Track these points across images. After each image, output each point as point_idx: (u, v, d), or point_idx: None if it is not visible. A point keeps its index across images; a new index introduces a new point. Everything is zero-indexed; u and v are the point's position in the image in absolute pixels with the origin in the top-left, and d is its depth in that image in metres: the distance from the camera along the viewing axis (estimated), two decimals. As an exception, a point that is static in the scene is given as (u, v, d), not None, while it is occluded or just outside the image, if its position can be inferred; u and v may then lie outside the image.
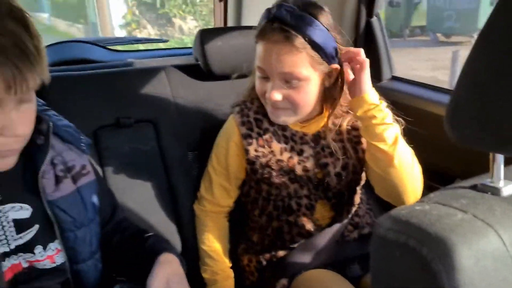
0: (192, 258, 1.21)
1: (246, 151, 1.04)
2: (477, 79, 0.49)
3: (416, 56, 7.54)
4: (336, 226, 1.08)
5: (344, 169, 1.04)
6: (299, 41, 0.91)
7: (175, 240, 1.19)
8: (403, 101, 1.30)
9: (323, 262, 1.06)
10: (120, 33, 9.74)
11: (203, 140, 1.24)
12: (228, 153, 1.07)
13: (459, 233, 0.50)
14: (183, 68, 1.32)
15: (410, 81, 1.38)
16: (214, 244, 1.12)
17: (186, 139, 1.24)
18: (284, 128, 1.04)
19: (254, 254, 1.14)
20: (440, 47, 8.30)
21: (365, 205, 1.16)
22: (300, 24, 0.91)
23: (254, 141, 1.03)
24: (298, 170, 1.02)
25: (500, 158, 0.56)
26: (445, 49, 7.43)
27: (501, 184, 0.56)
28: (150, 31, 9.59)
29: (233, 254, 1.20)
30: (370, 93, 0.94)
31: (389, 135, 0.93)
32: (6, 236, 0.73)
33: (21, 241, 0.74)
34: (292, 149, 1.03)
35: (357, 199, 1.12)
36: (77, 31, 10.67)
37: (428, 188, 1.17)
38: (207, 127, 1.24)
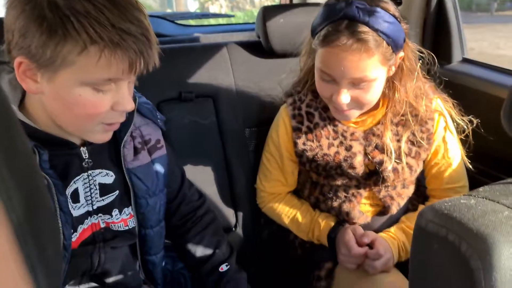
0: (245, 230, 1.27)
1: (295, 144, 1.05)
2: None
3: (505, 33, 6.85)
4: (383, 220, 1.07)
5: (399, 166, 1.01)
6: (373, 39, 0.85)
7: (229, 213, 1.25)
8: (473, 85, 1.23)
9: None
10: (193, 4, 9.94)
11: (260, 117, 1.26)
12: (280, 144, 1.08)
13: (503, 231, 0.48)
14: (245, 45, 1.34)
15: (482, 63, 1.28)
16: (290, 216, 1.12)
17: (243, 115, 1.27)
18: (335, 123, 1.03)
19: None
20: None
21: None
22: (373, 20, 0.85)
23: (303, 135, 1.03)
24: (345, 165, 1.00)
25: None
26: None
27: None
28: (221, 3, 9.68)
29: (281, 227, 1.21)
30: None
31: None
32: (92, 197, 0.83)
33: (102, 203, 0.84)
34: (340, 144, 1.02)
35: (410, 191, 1.08)
36: (153, 2, 11.03)
37: (490, 178, 1.11)
38: (265, 105, 1.26)
